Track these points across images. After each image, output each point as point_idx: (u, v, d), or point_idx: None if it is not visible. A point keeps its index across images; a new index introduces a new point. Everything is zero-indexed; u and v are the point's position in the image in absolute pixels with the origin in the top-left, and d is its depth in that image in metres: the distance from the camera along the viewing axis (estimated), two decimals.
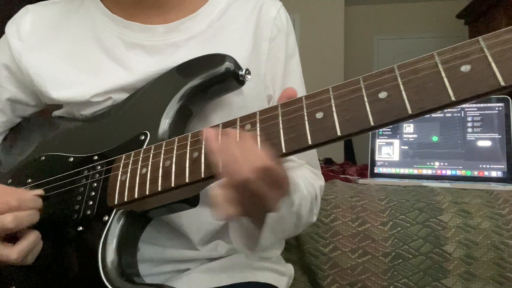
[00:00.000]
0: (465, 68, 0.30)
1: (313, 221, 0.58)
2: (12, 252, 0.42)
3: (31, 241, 0.44)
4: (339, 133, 0.33)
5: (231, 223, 0.46)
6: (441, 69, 0.31)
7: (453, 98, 0.30)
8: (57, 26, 0.59)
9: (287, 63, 0.60)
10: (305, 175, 0.57)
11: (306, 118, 0.35)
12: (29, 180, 0.52)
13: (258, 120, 0.38)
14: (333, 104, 0.34)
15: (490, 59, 0.29)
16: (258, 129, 0.37)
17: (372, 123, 0.32)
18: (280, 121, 0.36)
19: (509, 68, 0.28)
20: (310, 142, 0.34)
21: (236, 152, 0.34)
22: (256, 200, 0.36)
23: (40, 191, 0.48)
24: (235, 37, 0.55)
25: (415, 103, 0.31)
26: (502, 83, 0.28)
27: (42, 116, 0.63)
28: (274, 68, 0.58)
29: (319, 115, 0.35)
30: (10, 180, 0.54)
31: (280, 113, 0.37)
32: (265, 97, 0.58)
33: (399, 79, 0.32)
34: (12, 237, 0.44)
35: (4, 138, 0.62)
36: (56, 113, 0.60)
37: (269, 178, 0.35)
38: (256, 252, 0.45)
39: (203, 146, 0.40)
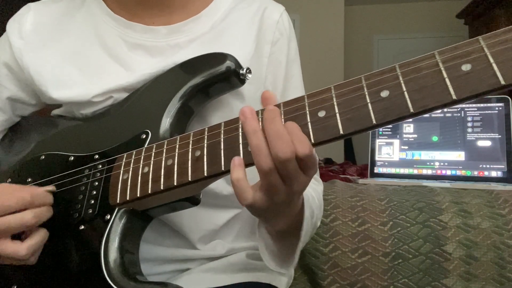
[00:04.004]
0: (465, 67, 0.30)
1: (318, 225, 0.60)
2: (21, 248, 0.42)
3: (40, 238, 0.44)
4: (341, 132, 0.34)
5: (260, 246, 0.47)
6: (442, 68, 0.31)
7: (454, 97, 0.30)
8: (59, 24, 0.59)
9: (288, 67, 0.60)
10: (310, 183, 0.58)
11: (308, 116, 0.35)
12: (29, 179, 0.52)
13: (260, 119, 0.38)
14: (335, 103, 0.34)
15: (490, 58, 0.29)
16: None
17: (374, 122, 0.32)
18: (283, 120, 0.36)
19: (509, 67, 0.28)
20: (312, 140, 0.35)
21: (271, 133, 0.34)
22: (286, 184, 0.36)
23: (51, 187, 0.48)
24: (237, 40, 0.55)
25: (417, 101, 0.31)
26: (503, 82, 0.28)
27: (42, 115, 0.62)
28: (275, 71, 0.58)
29: (321, 113, 0.35)
30: (9, 180, 0.54)
31: (282, 112, 0.37)
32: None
33: (401, 78, 0.32)
34: (16, 235, 0.44)
35: (4, 137, 0.62)
36: (56, 112, 0.59)
37: (305, 164, 0.35)
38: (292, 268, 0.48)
39: (205, 145, 0.40)
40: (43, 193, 0.45)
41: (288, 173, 0.35)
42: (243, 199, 0.36)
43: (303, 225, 0.44)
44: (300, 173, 0.36)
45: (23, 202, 0.42)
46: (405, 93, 0.32)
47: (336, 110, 0.34)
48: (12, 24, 0.59)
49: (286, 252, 0.47)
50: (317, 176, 0.64)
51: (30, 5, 0.60)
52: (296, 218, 0.44)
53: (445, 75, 0.31)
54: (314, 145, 0.35)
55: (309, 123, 0.35)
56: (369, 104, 0.33)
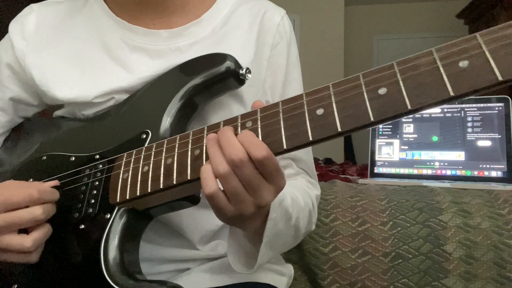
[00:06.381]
0: (463, 63, 0.30)
1: (312, 229, 0.59)
2: (27, 240, 0.43)
3: (44, 231, 0.45)
4: (339, 129, 0.34)
5: (229, 245, 0.47)
6: (439, 65, 0.31)
7: (452, 93, 0.30)
8: (61, 25, 0.59)
9: (288, 71, 0.59)
10: (301, 185, 0.57)
11: (306, 114, 0.35)
12: (31, 180, 0.53)
13: (259, 117, 0.38)
14: (333, 101, 0.35)
15: (488, 55, 0.29)
16: (259, 126, 0.37)
17: (372, 119, 0.33)
18: (281, 118, 0.37)
19: (506, 63, 0.29)
20: (310, 138, 0.35)
21: (222, 143, 0.36)
22: (250, 193, 0.37)
23: (55, 182, 0.48)
24: (238, 44, 0.56)
25: (414, 98, 0.31)
26: (500, 78, 0.28)
27: (44, 116, 0.63)
28: (275, 75, 0.58)
29: (320, 111, 0.35)
30: (12, 180, 0.54)
31: (280, 110, 0.37)
32: (264, 103, 0.58)
33: (398, 75, 0.32)
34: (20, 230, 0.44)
35: (7, 138, 0.63)
36: (57, 113, 0.60)
37: (266, 168, 0.36)
38: (255, 269, 0.46)
39: (204, 144, 0.40)
40: (50, 189, 0.46)
41: (246, 178, 0.36)
42: (207, 186, 0.37)
43: (266, 227, 0.43)
44: (262, 180, 0.36)
45: (30, 199, 0.43)
46: (403, 90, 0.32)
47: (334, 108, 0.34)
48: (14, 25, 0.59)
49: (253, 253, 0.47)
50: (313, 180, 0.63)
51: (33, 6, 0.61)
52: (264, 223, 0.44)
53: (442, 72, 0.31)
54: (312, 143, 0.35)
55: (308, 121, 0.35)
56: (367, 102, 0.33)
